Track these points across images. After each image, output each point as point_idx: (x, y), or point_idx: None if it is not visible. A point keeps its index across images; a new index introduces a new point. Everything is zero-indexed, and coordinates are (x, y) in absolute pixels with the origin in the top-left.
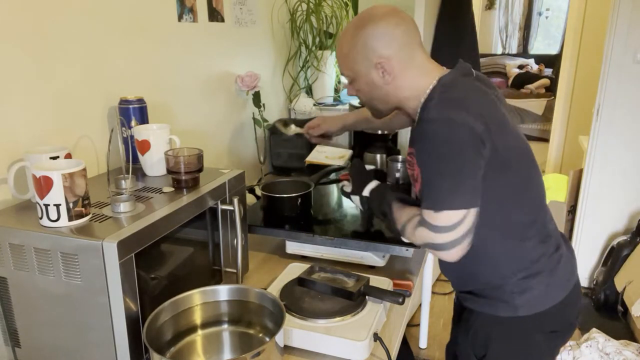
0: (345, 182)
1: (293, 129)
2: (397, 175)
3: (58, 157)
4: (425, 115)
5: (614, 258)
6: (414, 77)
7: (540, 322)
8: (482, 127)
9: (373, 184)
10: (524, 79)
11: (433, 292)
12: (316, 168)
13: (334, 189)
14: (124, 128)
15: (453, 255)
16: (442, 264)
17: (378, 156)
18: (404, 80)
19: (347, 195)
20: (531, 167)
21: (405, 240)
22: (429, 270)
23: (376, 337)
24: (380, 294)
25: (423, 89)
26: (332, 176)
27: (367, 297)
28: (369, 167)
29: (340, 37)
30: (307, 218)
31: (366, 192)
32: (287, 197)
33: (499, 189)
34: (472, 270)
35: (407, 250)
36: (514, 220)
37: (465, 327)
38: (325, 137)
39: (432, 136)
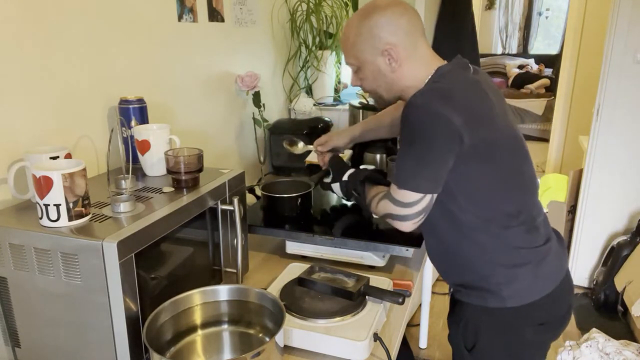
0: (325, 180)
1: (301, 147)
2: None
3: (58, 157)
4: (411, 99)
5: (614, 258)
6: (416, 66)
7: (528, 314)
8: (462, 120)
9: (351, 170)
10: (524, 79)
11: (433, 292)
12: (316, 168)
13: None
14: (124, 128)
15: (407, 226)
16: (431, 256)
17: (378, 156)
18: (407, 68)
19: (328, 186)
20: (521, 161)
21: (374, 215)
22: (429, 270)
23: (376, 337)
24: (380, 294)
25: (422, 79)
26: None
27: (367, 297)
28: (369, 166)
29: (345, 27)
30: (307, 218)
31: (345, 177)
32: (287, 197)
33: (484, 179)
34: (458, 258)
35: (407, 250)
36: (499, 210)
37: (456, 318)
38: (334, 151)
39: (409, 119)
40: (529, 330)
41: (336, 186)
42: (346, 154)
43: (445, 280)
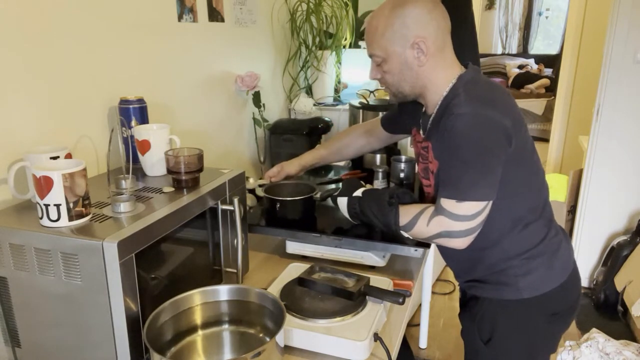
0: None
1: (252, 182)
2: (402, 175)
3: (58, 157)
4: (456, 109)
5: (614, 258)
6: (441, 65)
7: (543, 304)
8: (510, 123)
9: (367, 187)
10: (524, 79)
11: (433, 292)
12: (317, 168)
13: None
14: (124, 128)
15: (464, 242)
16: (448, 255)
17: (378, 156)
18: (433, 65)
19: (334, 199)
20: (537, 158)
21: (405, 235)
22: (429, 270)
23: (376, 337)
24: (380, 294)
25: (445, 83)
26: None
27: (367, 297)
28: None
29: (373, 17)
30: (309, 219)
31: (358, 192)
32: (290, 201)
33: (516, 180)
34: (479, 256)
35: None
36: (524, 207)
37: (470, 313)
38: (287, 179)
39: (463, 130)
40: (543, 320)
41: (343, 201)
42: None
43: (458, 278)
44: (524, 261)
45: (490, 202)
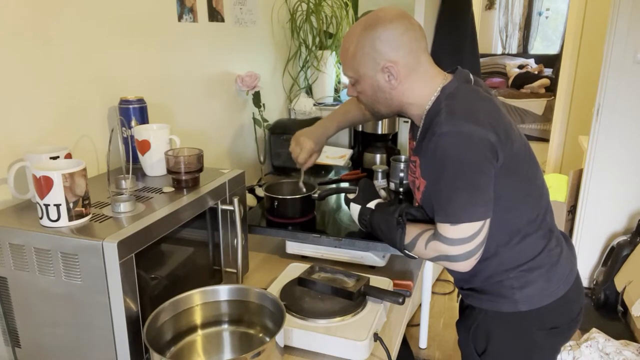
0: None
1: (301, 186)
2: (402, 174)
3: (58, 157)
4: (437, 129)
5: (614, 258)
6: (418, 83)
7: (540, 317)
8: (495, 137)
9: (381, 200)
10: (524, 79)
11: (433, 292)
12: (317, 168)
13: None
14: (124, 128)
15: (467, 265)
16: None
17: (378, 156)
18: (409, 85)
19: (348, 202)
20: (534, 165)
21: (409, 254)
22: (429, 270)
23: (376, 337)
24: (380, 294)
25: (426, 97)
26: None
27: (367, 297)
28: (381, 184)
29: (346, 37)
30: (308, 218)
31: (372, 204)
32: (290, 199)
33: (510, 193)
34: (477, 267)
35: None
36: (521, 219)
37: (466, 323)
38: (314, 156)
39: (446, 150)
40: (541, 334)
41: (355, 208)
42: (346, 155)
43: (456, 284)
44: (521, 273)
45: (487, 220)
